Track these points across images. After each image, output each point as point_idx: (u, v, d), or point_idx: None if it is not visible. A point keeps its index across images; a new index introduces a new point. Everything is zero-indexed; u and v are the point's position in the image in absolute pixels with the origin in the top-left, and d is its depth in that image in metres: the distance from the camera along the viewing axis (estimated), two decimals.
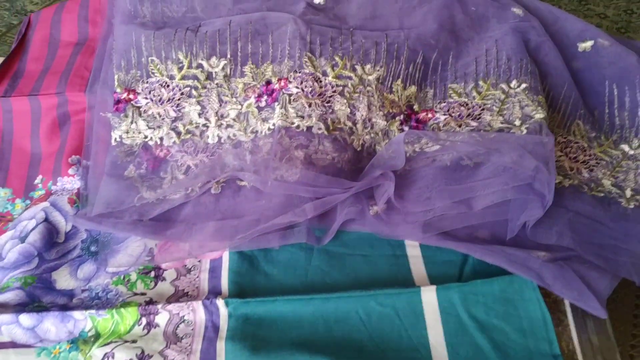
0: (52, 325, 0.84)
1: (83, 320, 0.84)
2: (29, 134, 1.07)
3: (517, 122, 0.92)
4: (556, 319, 0.79)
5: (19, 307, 0.86)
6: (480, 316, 0.79)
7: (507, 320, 0.79)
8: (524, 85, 0.96)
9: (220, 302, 0.82)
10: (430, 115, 0.97)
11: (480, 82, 0.98)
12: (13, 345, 0.83)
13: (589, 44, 1.04)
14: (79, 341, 0.83)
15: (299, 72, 0.96)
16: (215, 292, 0.86)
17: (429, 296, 0.81)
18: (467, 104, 0.97)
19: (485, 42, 1.02)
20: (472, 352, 0.77)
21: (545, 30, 1.04)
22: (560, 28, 1.06)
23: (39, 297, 0.88)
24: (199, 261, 0.91)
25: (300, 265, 0.88)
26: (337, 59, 0.97)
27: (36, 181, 1.04)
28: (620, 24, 2.01)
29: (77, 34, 1.17)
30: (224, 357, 0.78)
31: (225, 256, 0.90)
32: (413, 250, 0.88)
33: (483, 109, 0.95)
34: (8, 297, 0.87)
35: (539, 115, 0.91)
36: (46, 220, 0.96)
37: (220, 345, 0.80)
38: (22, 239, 0.94)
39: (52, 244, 0.94)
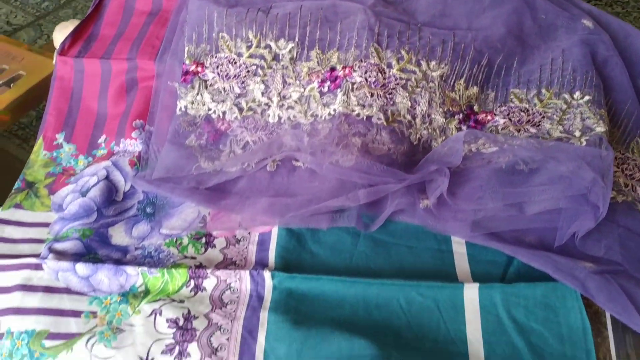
0: (105, 277, 0.88)
1: (135, 275, 0.88)
2: (97, 95, 1.12)
3: (577, 133, 0.92)
4: (595, 329, 0.80)
5: (76, 257, 0.90)
6: (520, 318, 0.80)
7: (547, 326, 0.79)
8: (587, 98, 0.96)
9: (266, 274, 0.85)
10: (489, 117, 0.98)
11: (543, 90, 0.99)
12: (67, 291, 0.88)
13: None
14: (129, 295, 0.87)
15: (364, 62, 0.98)
16: (262, 264, 0.89)
17: (471, 293, 0.82)
18: (527, 110, 0.97)
19: (552, 51, 1.02)
20: (509, 351, 0.78)
21: (614, 45, 1.04)
22: (630, 45, 1.06)
23: (95, 249, 0.92)
24: (249, 233, 0.94)
25: (346, 249, 0.90)
26: (403, 52, 0.99)
27: (100, 140, 1.09)
28: None
29: (151, 4, 1.21)
30: (266, 327, 0.81)
31: (274, 231, 0.93)
32: (459, 247, 0.89)
33: (543, 117, 0.96)
34: (67, 246, 0.91)
35: (600, 128, 0.91)
36: (107, 178, 1.01)
37: (264, 315, 0.82)
38: (83, 194, 0.99)
39: (111, 201, 0.99)
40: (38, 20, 2.03)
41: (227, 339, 0.81)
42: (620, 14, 2.27)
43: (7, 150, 1.46)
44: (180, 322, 0.82)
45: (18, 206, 1.00)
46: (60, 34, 1.27)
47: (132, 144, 1.05)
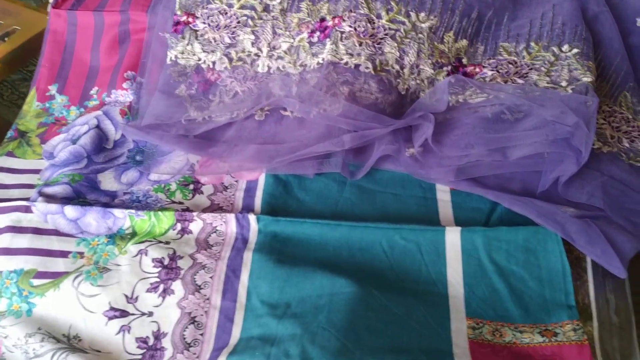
0: (93, 220, 0.89)
1: (122, 218, 0.89)
2: (89, 47, 1.13)
3: (564, 83, 0.92)
4: (576, 274, 0.81)
5: (65, 200, 0.91)
6: (500, 261, 0.81)
7: (527, 268, 0.80)
8: (575, 50, 0.96)
9: (252, 217, 0.86)
10: (477, 69, 0.98)
11: (532, 44, 0.99)
12: (56, 233, 0.89)
13: None
14: (116, 237, 0.88)
15: (354, 12, 0.98)
16: (248, 210, 0.90)
17: (453, 237, 0.83)
18: (515, 62, 0.97)
19: (543, 6, 1.02)
20: (488, 293, 0.79)
21: (605, 1, 1.04)
22: (621, 1, 1.05)
23: (84, 193, 0.93)
24: (236, 181, 0.95)
25: (332, 196, 0.91)
26: (392, 3, 0.99)
27: (92, 92, 1.09)
28: None
29: None
30: (249, 266, 0.82)
31: (261, 179, 0.94)
32: (443, 195, 0.90)
33: (531, 69, 0.96)
34: (56, 190, 0.92)
35: (587, 78, 0.91)
36: (98, 127, 1.02)
37: (247, 255, 0.84)
38: (74, 141, 1.00)
39: (101, 148, 1.00)
40: None
41: (211, 277, 0.82)
42: None
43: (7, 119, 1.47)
44: (166, 262, 0.83)
45: (10, 154, 1.01)
46: None
47: (124, 95, 1.06)
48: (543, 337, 0.76)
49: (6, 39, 1.21)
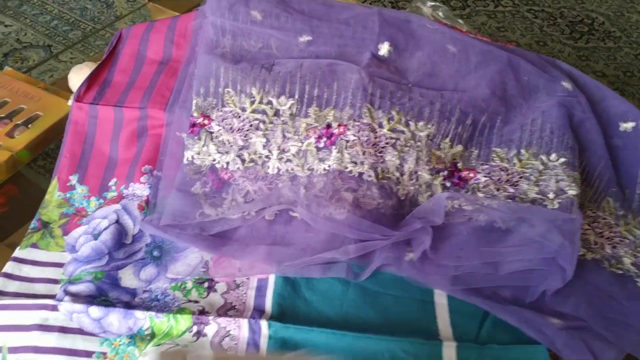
0: (115, 320, 0.96)
1: (143, 319, 0.96)
2: (109, 140, 1.20)
3: (551, 195, 1.00)
4: None
5: (89, 298, 0.98)
6: None
7: None
8: (562, 160, 1.03)
9: (263, 324, 0.93)
10: (472, 174, 1.06)
11: (522, 151, 1.07)
12: (80, 331, 0.95)
13: (630, 125, 1.12)
14: (136, 337, 0.95)
15: (358, 121, 1.06)
16: (259, 310, 0.97)
17: (449, 353, 0.89)
18: (507, 170, 1.05)
19: (533, 112, 1.10)
20: None
21: (590, 107, 1.12)
22: (606, 107, 1.14)
23: (106, 291, 1.00)
24: (247, 279, 1.02)
25: (337, 296, 0.98)
26: (393, 112, 1.07)
27: (110, 183, 1.16)
28: (617, 84, 2.09)
29: (162, 54, 1.29)
30: None
31: (271, 278, 1.00)
32: (440, 299, 0.97)
33: (521, 177, 1.04)
34: (80, 288, 0.99)
35: (572, 191, 0.99)
36: (117, 221, 1.09)
37: None
38: (95, 236, 1.07)
39: (121, 244, 1.07)
40: (48, 39, 2.11)
41: None
42: (612, 49, 2.36)
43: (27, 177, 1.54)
44: None
45: (34, 246, 1.08)
46: (76, 76, 1.35)
47: (141, 188, 1.13)
48: None
49: (30, 125, 1.28)
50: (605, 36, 2.42)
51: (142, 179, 1.14)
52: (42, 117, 1.30)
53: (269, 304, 0.98)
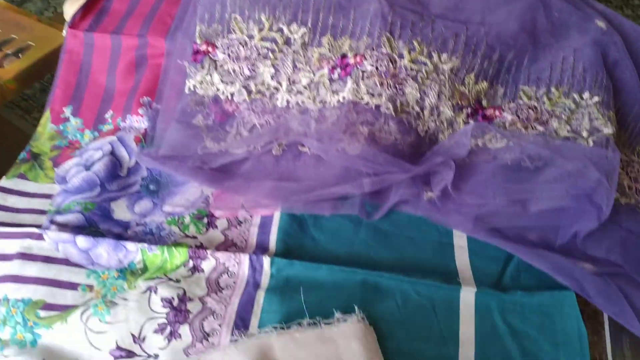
0: (104, 252, 0.88)
1: (134, 252, 0.88)
2: (106, 70, 1.12)
3: (585, 134, 0.92)
4: (593, 328, 0.80)
5: (77, 229, 0.90)
6: (515, 323, 0.80)
7: (542, 332, 0.79)
8: (596, 99, 0.95)
9: (265, 260, 0.85)
10: (497, 113, 0.98)
11: (553, 89, 0.98)
12: (66, 262, 0.88)
13: None
14: (127, 271, 0.87)
15: (376, 51, 0.97)
16: (262, 247, 0.89)
17: (468, 297, 0.82)
18: (536, 108, 0.97)
19: (564, 50, 1.02)
20: (500, 355, 0.78)
21: (626, 47, 1.03)
22: None
23: (96, 222, 0.92)
24: (251, 215, 0.94)
25: (347, 236, 0.90)
26: (415, 43, 0.98)
27: (106, 115, 1.08)
28: None
29: None
30: (259, 315, 0.81)
31: (276, 215, 0.93)
32: (460, 240, 0.89)
33: (552, 116, 0.95)
34: (68, 218, 0.91)
35: (608, 130, 0.91)
36: (112, 153, 1.01)
37: (258, 303, 0.82)
38: (87, 167, 0.99)
39: (115, 176, 0.99)
40: None
41: (220, 325, 0.81)
42: (630, 17, 2.27)
43: (9, 120, 1.47)
44: (175, 302, 0.82)
45: (22, 176, 1.01)
46: (71, 6, 1.26)
47: (138, 120, 1.05)
48: None
49: (20, 55, 1.20)
50: (624, 4, 2.32)
51: (140, 111, 1.05)
52: (34, 47, 1.21)
53: (273, 242, 0.90)
